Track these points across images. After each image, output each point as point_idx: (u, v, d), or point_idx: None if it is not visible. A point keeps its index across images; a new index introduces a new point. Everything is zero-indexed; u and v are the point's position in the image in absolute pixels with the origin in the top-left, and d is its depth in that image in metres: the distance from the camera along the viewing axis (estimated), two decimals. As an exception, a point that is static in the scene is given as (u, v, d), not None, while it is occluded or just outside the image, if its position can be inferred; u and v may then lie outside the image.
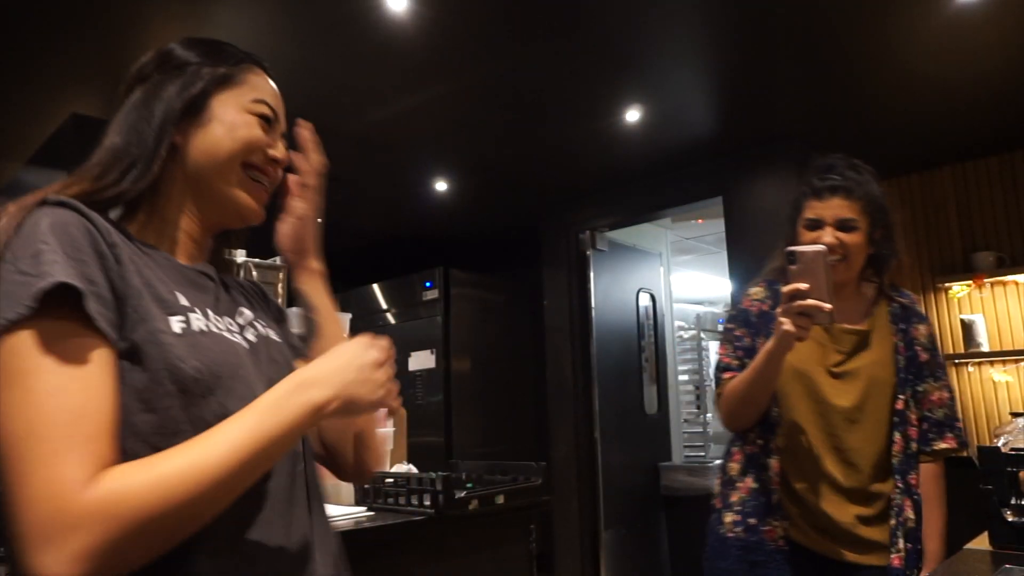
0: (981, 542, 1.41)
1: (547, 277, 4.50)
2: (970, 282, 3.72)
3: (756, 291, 1.63)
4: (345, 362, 0.73)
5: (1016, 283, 3.66)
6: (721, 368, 1.57)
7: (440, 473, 1.77)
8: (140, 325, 0.67)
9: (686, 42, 2.60)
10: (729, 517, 1.52)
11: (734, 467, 1.56)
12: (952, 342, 3.81)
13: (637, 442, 4.47)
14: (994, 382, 3.66)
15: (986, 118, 3.33)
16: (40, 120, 2.96)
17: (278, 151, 0.87)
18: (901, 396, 1.48)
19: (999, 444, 1.45)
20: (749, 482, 1.51)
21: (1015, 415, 1.56)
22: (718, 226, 4.68)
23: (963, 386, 3.75)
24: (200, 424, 0.67)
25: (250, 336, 0.82)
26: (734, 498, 1.53)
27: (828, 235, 1.47)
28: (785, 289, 1.35)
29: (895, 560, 1.42)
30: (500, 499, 1.86)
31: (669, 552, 4.43)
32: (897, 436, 1.47)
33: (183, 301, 0.74)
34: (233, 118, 0.82)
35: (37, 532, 0.56)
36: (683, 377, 5.15)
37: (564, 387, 4.28)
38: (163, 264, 0.78)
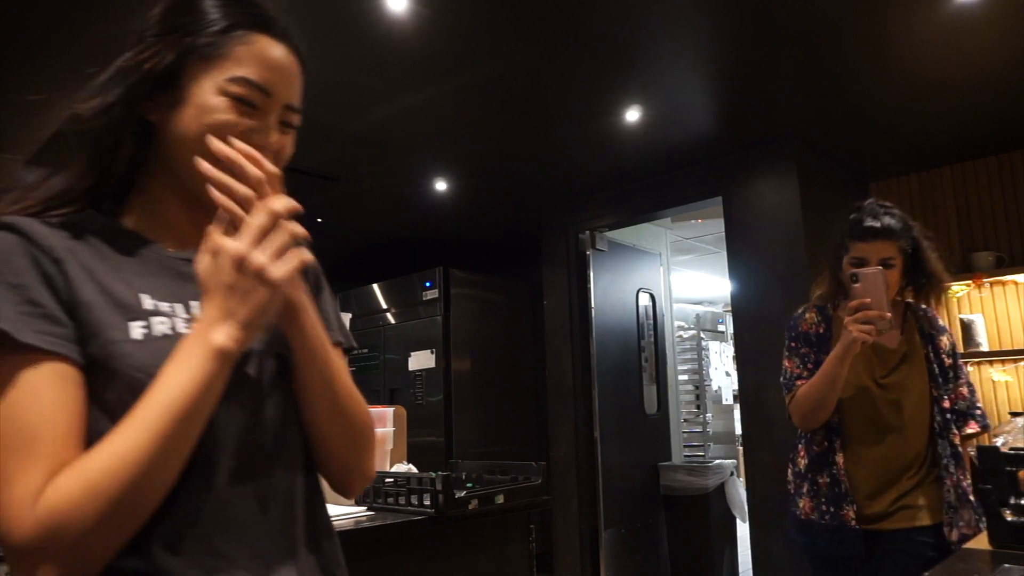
0: (981, 541, 1.41)
1: (547, 277, 4.50)
2: (969, 282, 3.72)
3: (810, 316, 1.91)
4: (217, 293, 0.65)
5: (1015, 283, 3.66)
6: (793, 378, 1.86)
7: (440, 473, 1.77)
8: (92, 340, 0.67)
9: (686, 42, 2.60)
10: (802, 502, 1.84)
11: (802, 462, 1.88)
12: (952, 342, 3.81)
13: (637, 442, 4.48)
14: (993, 382, 3.66)
15: (985, 118, 3.34)
16: (40, 120, 2.96)
17: (263, 137, 0.75)
18: (946, 396, 1.80)
19: (998, 444, 1.46)
20: (824, 478, 1.80)
21: (1014, 415, 1.57)
22: (718, 226, 4.69)
23: (963, 386, 3.75)
24: None
25: None
26: (804, 488, 1.84)
27: None
28: (852, 304, 1.67)
29: (945, 531, 1.72)
30: (500, 499, 1.86)
31: (668, 551, 4.43)
32: (955, 429, 1.78)
33: (147, 304, 0.71)
34: (203, 100, 0.73)
35: (8, 549, 0.60)
36: (683, 377, 5.16)
37: (564, 387, 4.28)
38: (142, 258, 0.75)
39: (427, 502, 1.74)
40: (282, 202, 0.67)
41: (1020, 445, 1.44)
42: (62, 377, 0.64)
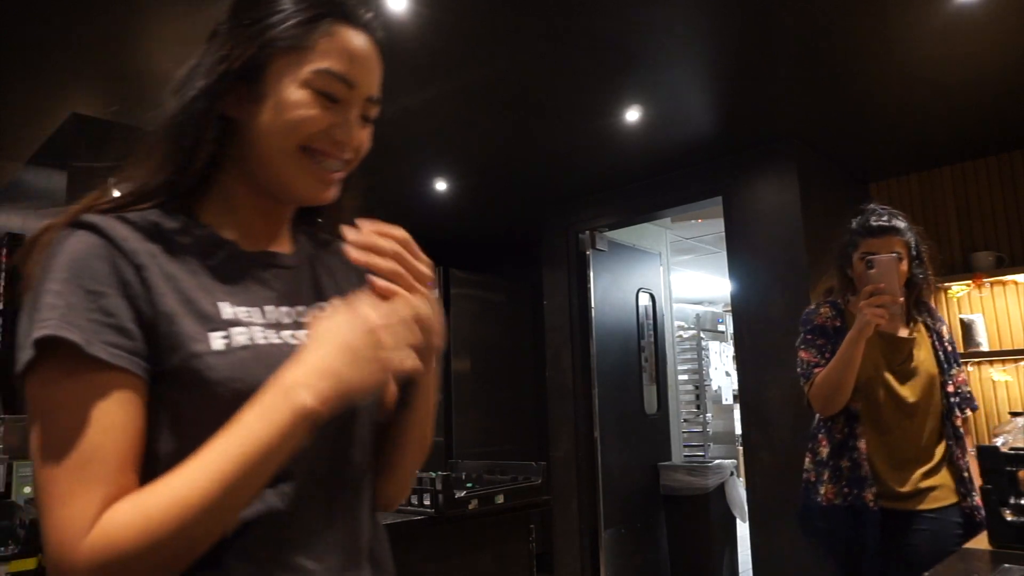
0: (981, 542, 1.42)
1: (547, 277, 4.50)
2: (969, 282, 3.72)
3: (824, 311, 2.02)
4: (333, 347, 0.63)
5: (1015, 283, 3.66)
6: (812, 366, 1.95)
7: (440, 473, 1.77)
8: (173, 353, 0.64)
9: (686, 42, 2.60)
10: (823, 488, 1.92)
11: (823, 451, 1.96)
12: (952, 342, 3.81)
13: (637, 442, 4.48)
14: (993, 382, 3.66)
15: (985, 118, 3.33)
16: (40, 120, 2.96)
17: (346, 132, 0.74)
18: (950, 381, 1.94)
19: (998, 444, 1.46)
20: (845, 462, 1.90)
21: (1014, 415, 1.57)
22: (718, 226, 4.69)
23: (963, 386, 3.75)
24: None
25: None
26: (826, 475, 1.93)
27: None
28: (866, 288, 1.78)
29: (964, 505, 1.86)
30: (500, 499, 1.86)
31: (668, 551, 4.43)
32: (957, 412, 1.92)
33: (226, 312, 0.69)
34: (286, 95, 0.70)
35: (51, 574, 0.59)
36: (683, 377, 5.15)
37: (564, 387, 4.28)
38: (218, 258, 0.72)
39: (427, 502, 1.74)
40: (428, 308, 0.72)
41: (1020, 445, 1.44)
42: (127, 396, 0.62)
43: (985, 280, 3.69)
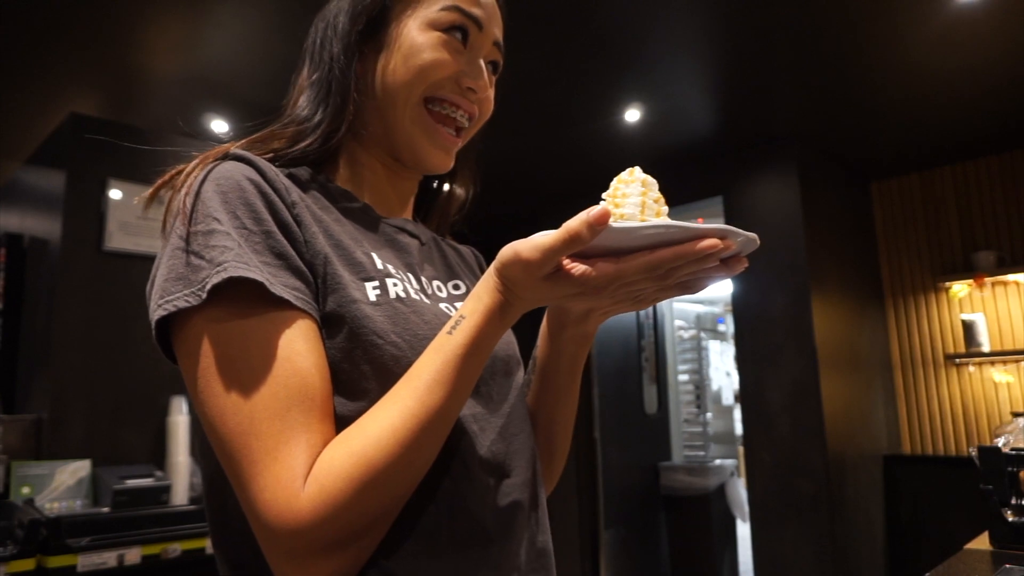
0: (981, 542, 1.41)
1: (547, 277, 4.49)
2: (971, 281, 3.72)
3: None
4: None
5: (1017, 283, 3.65)
6: None
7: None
8: (330, 296, 0.59)
9: (686, 42, 2.60)
10: None
11: None
12: (953, 342, 3.80)
13: (637, 442, 4.47)
14: (995, 382, 3.65)
15: (986, 118, 3.33)
16: (39, 119, 2.96)
17: (472, 79, 0.70)
18: None
19: (999, 444, 1.45)
20: None
21: (1016, 415, 1.56)
22: (718, 226, 4.68)
23: (964, 386, 3.74)
24: None
25: None
26: None
27: None
28: None
29: None
30: (499, 499, 1.85)
31: (669, 552, 4.42)
32: None
33: (379, 264, 0.64)
34: (412, 40, 0.67)
35: (269, 540, 0.52)
36: (683, 377, 5.14)
37: (564, 387, 4.28)
38: (359, 218, 0.69)
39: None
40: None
41: (1021, 445, 1.43)
42: (315, 337, 0.57)
43: (986, 280, 3.68)
